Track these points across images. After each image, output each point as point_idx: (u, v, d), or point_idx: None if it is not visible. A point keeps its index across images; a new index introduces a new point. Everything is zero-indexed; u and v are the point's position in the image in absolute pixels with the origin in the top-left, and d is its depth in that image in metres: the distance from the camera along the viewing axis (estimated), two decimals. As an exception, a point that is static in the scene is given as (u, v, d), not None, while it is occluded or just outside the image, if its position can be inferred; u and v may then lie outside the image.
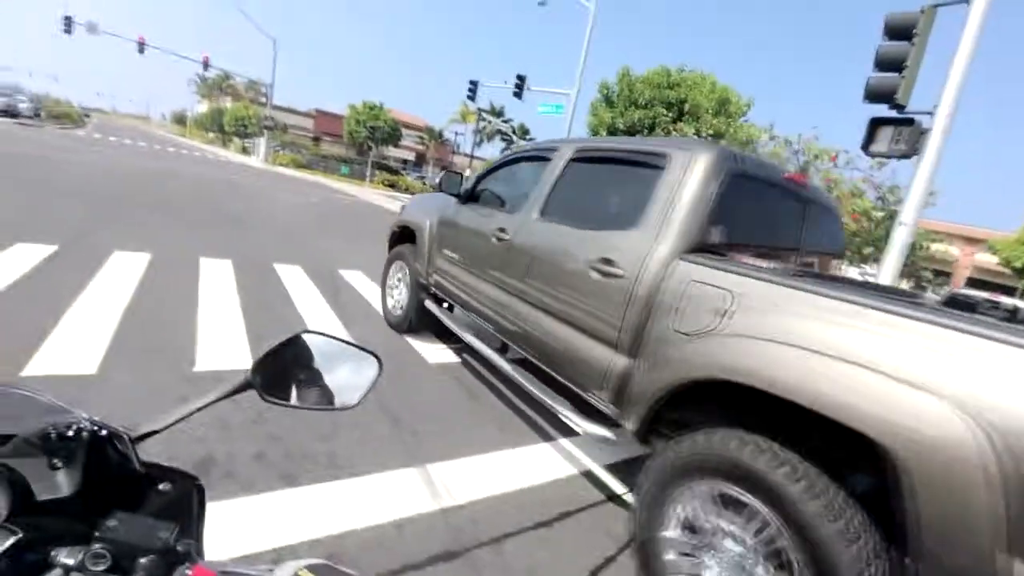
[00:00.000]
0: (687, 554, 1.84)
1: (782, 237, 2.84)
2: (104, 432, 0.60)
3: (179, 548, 0.53)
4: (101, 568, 0.49)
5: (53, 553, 0.51)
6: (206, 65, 31.36)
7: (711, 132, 11.31)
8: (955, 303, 2.55)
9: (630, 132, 18.66)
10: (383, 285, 4.97)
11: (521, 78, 19.60)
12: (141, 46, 27.95)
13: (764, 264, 2.19)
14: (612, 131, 17.60)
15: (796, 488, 1.51)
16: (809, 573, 1.48)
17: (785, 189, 2.75)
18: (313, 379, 0.80)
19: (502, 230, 3.25)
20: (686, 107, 18.93)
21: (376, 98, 43.36)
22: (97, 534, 0.51)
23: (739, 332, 1.80)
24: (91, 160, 14.56)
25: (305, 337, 0.82)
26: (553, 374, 2.73)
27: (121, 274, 4.59)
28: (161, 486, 0.63)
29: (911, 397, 1.34)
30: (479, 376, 4.06)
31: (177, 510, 0.63)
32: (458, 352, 4.44)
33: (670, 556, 1.87)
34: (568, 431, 3.43)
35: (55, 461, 0.58)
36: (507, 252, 3.17)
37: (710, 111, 18.04)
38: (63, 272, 4.34)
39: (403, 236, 4.75)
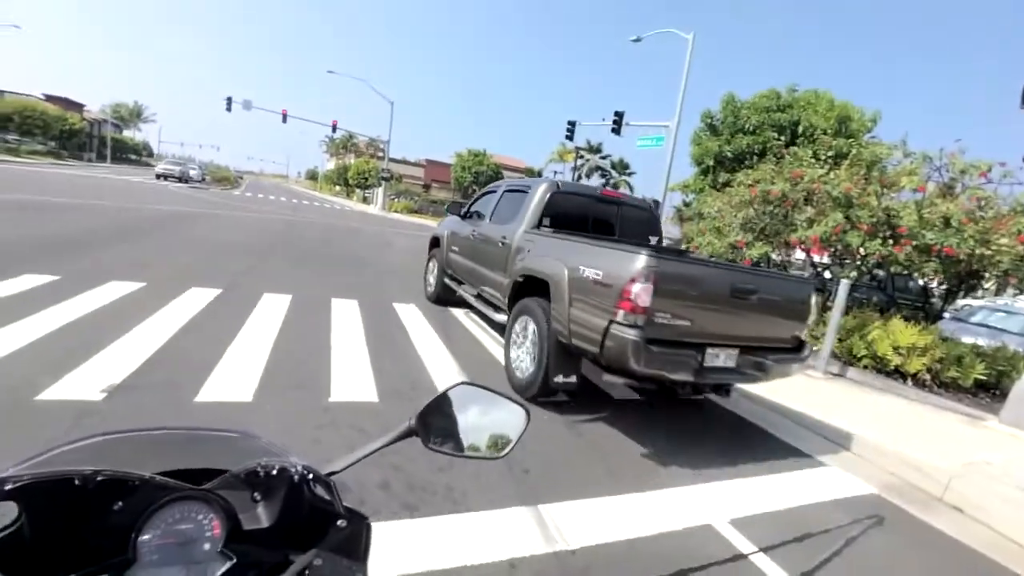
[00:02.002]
0: (517, 346, 4.35)
1: (598, 223, 5.39)
2: (309, 474, 0.67)
3: None
4: None
5: None
6: (334, 128, 35.55)
7: (831, 154, 10.38)
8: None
9: (738, 159, 17.79)
10: (424, 274, 7.91)
11: (619, 114, 19.70)
12: (284, 117, 32.48)
13: (549, 230, 4.74)
14: (718, 160, 16.89)
15: (539, 311, 4.00)
16: (538, 338, 3.98)
17: (599, 199, 5.48)
18: (468, 428, 0.86)
19: (474, 230, 5.96)
20: (799, 129, 17.69)
21: (480, 145, 45.94)
22: (307, 572, 0.57)
23: (532, 255, 4.39)
24: (244, 216, 17.01)
25: (462, 389, 0.88)
26: (488, 294, 5.34)
27: (269, 313, 5.27)
28: (339, 522, 0.69)
29: (557, 265, 3.85)
30: (584, 419, 4.01)
31: (352, 546, 0.69)
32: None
33: (513, 349, 4.41)
34: (690, 480, 3.24)
35: (255, 495, 0.67)
36: (475, 241, 5.89)
37: (828, 131, 16.66)
38: (225, 311, 5.08)
39: (435, 243, 7.48)
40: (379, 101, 37.86)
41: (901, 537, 3.08)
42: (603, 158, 41.39)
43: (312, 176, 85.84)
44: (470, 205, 6.58)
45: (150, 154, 76.59)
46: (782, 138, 16.88)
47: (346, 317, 5.64)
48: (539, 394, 3.97)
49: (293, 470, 0.65)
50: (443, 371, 4.42)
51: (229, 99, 30.33)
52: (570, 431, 3.69)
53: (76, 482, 0.54)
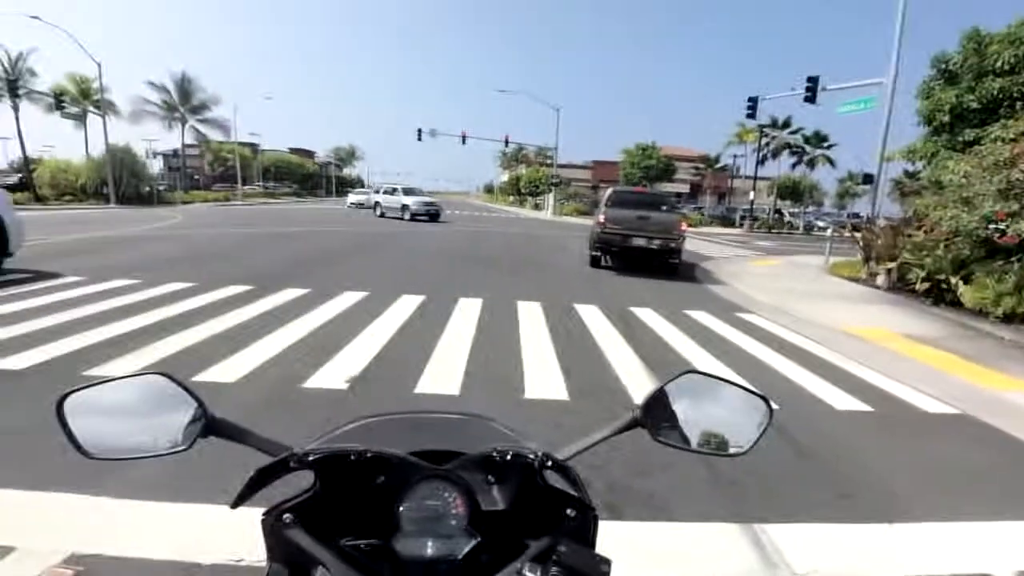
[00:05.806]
0: (586, 248, 12.34)
1: (637, 207, 11.15)
2: (548, 460, 0.66)
3: None
4: None
5: (518, 564, 0.58)
6: (506, 142, 38.01)
7: None
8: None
9: (987, 110, 13.96)
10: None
11: (813, 79, 17.17)
12: (463, 138, 35.70)
13: (600, 210, 11.68)
14: (958, 114, 13.50)
15: (590, 233, 12.05)
16: (590, 242, 12.41)
17: (639, 193, 14.53)
18: (698, 420, 0.77)
19: (596, 213, 12.56)
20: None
21: (648, 138, 44.36)
22: (555, 557, 0.57)
23: (596, 216, 12.09)
24: (435, 231, 19.12)
25: (689, 377, 0.79)
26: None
27: (465, 315, 5.81)
28: (568, 511, 0.66)
29: (596, 217, 12.04)
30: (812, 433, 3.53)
31: (583, 536, 0.66)
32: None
33: (589, 250, 11.91)
34: (949, 515, 2.64)
35: (489, 477, 0.68)
36: (596, 217, 12.06)
37: None
38: (430, 314, 5.76)
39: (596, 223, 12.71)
40: (546, 111, 39.16)
41: None
42: (792, 133, 36.46)
43: (488, 189, 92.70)
44: (602, 202, 12.36)
45: (362, 185, 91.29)
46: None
47: (531, 318, 5.91)
48: (590, 263, 11.22)
49: (532, 456, 0.65)
50: (630, 370, 4.32)
51: (419, 130, 34.49)
52: (790, 446, 3.26)
53: (352, 457, 0.62)
